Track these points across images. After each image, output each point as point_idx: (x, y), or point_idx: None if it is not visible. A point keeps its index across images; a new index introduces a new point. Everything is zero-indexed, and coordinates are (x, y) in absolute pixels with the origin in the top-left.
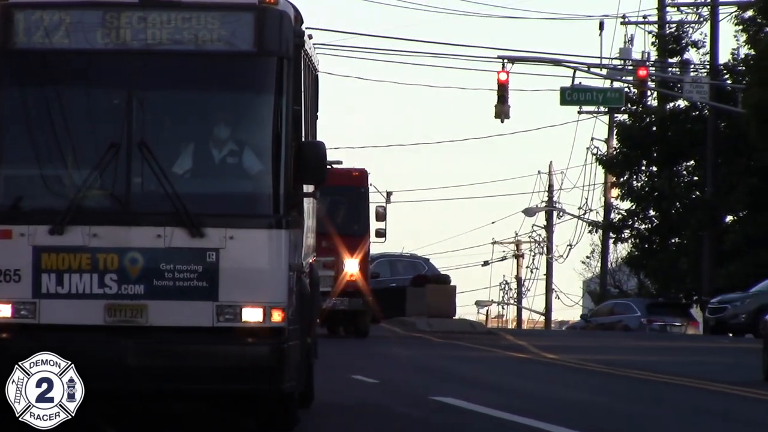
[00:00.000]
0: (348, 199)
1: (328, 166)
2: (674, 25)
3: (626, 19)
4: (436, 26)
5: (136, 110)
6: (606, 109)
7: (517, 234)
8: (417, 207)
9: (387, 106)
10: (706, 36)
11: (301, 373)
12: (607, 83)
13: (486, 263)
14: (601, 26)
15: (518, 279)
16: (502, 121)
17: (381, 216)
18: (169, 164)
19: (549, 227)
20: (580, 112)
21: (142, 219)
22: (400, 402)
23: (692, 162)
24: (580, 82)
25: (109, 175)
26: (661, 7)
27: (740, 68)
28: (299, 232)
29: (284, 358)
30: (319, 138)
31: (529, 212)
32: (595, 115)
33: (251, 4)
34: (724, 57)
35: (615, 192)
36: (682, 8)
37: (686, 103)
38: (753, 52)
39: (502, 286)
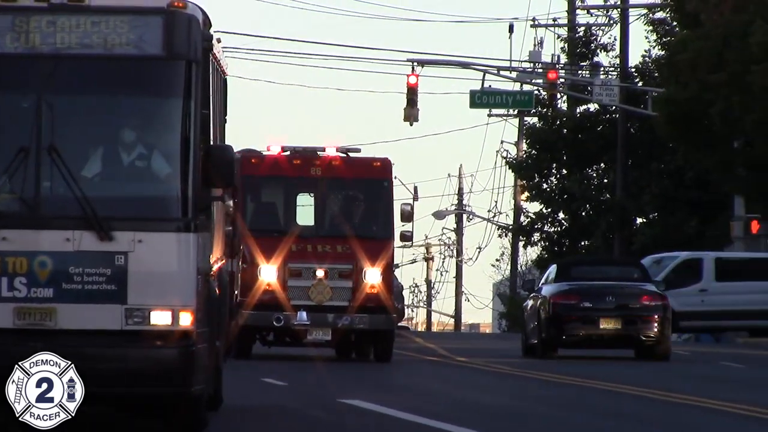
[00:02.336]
0: (368, 194)
1: (343, 154)
2: (584, 27)
3: (536, 22)
4: (347, 29)
5: (45, 114)
6: (516, 112)
7: (426, 237)
8: None
9: (296, 109)
10: (616, 39)
11: (210, 376)
12: (516, 86)
13: (396, 266)
14: (511, 29)
15: (428, 282)
16: (411, 125)
17: (407, 216)
18: (78, 168)
19: (459, 230)
20: (490, 115)
21: (51, 223)
22: (309, 405)
23: (603, 164)
24: (489, 85)
25: (18, 179)
26: (572, 10)
27: (651, 70)
28: (208, 236)
29: (192, 361)
30: (227, 141)
31: (438, 215)
32: (505, 118)
33: (160, 8)
34: (634, 59)
35: (524, 195)
36: (592, 11)
37: (597, 106)
38: (663, 53)
39: (412, 289)
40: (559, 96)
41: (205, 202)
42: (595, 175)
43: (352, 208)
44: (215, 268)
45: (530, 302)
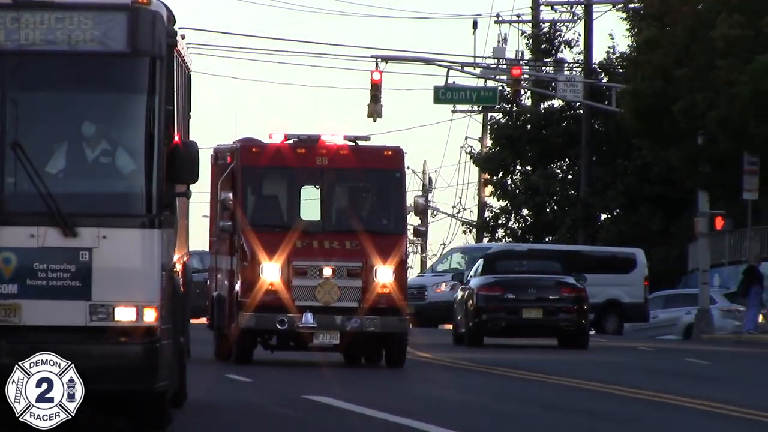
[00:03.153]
0: (378, 186)
1: (352, 142)
2: (548, 24)
3: (500, 18)
4: (310, 26)
5: (9, 111)
6: (480, 108)
7: None
8: None
9: (261, 105)
10: (580, 35)
11: (174, 373)
12: (480, 82)
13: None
14: (475, 25)
15: None
16: (375, 121)
17: (421, 209)
18: (43, 164)
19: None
20: (454, 111)
21: (15, 219)
22: (273, 401)
23: (567, 161)
24: (453, 81)
25: None
26: (536, 6)
27: (616, 66)
28: (172, 232)
29: (157, 357)
30: (191, 138)
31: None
32: (469, 114)
33: (124, 5)
34: (599, 56)
35: (488, 190)
36: (556, 7)
37: (561, 102)
38: (631, 45)
39: None
40: (523, 92)
41: (170, 198)
42: (559, 171)
43: (362, 201)
44: (179, 264)
45: (459, 294)
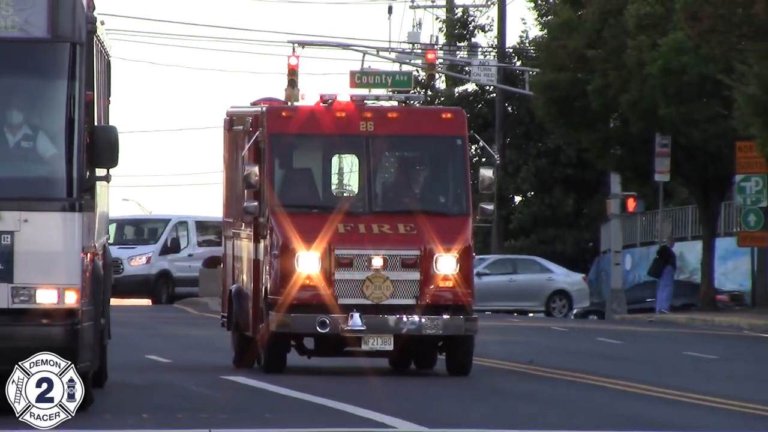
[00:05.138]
0: (436, 156)
1: (403, 103)
2: (462, 8)
3: (415, 3)
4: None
5: None
6: (395, 92)
7: None
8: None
9: (179, 90)
10: (493, 20)
11: (95, 353)
12: (396, 66)
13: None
14: (390, 10)
15: None
16: (292, 105)
17: (488, 184)
18: None
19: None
20: (370, 95)
21: None
22: (192, 381)
23: (481, 143)
24: (369, 66)
25: None
26: None
27: (529, 51)
28: (92, 215)
29: (78, 338)
30: (111, 123)
31: None
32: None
33: None
34: (512, 40)
35: None
36: None
37: (475, 86)
38: (544, 33)
39: None
40: (437, 76)
41: (90, 182)
42: (474, 154)
43: (416, 175)
44: (100, 246)
45: None
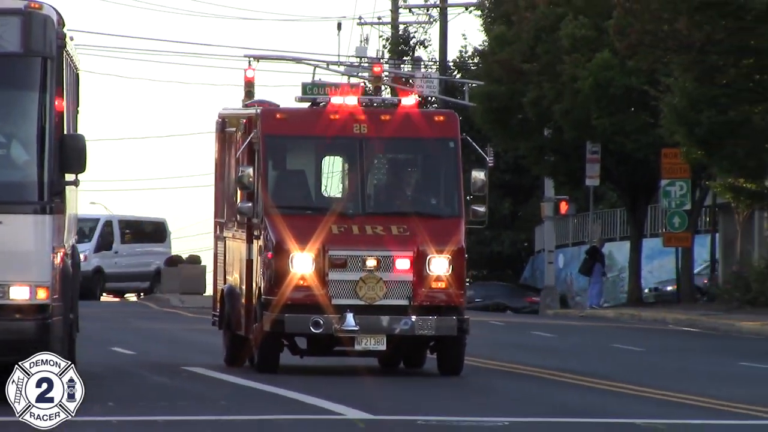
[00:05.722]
0: (430, 159)
1: (395, 106)
2: (406, 25)
3: (362, 20)
4: (189, 28)
5: None
6: None
7: None
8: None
9: (144, 101)
10: (436, 35)
11: (65, 346)
12: (345, 79)
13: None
14: (339, 27)
15: None
16: None
17: (480, 186)
18: None
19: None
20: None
21: None
22: (154, 371)
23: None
24: (320, 78)
25: None
26: (395, 9)
27: (468, 64)
28: (62, 217)
29: (49, 332)
30: (80, 131)
31: None
32: None
33: (18, 9)
34: (453, 54)
35: None
36: (414, 10)
37: (418, 97)
38: (483, 43)
39: None
40: (383, 88)
41: (60, 186)
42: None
43: (410, 177)
44: (69, 246)
45: None
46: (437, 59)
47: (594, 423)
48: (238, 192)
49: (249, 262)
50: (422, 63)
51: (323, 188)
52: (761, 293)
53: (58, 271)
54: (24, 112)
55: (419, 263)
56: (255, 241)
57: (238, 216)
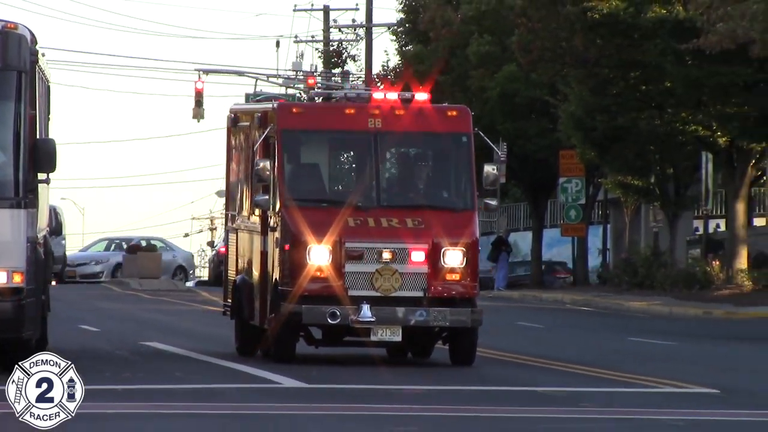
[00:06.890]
0: (443, 153)
1: (409, 101)
2: (337, 42)
3: (298, 38)
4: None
5: None
6: None
7: (211, 211)
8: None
9: (105, 109)
10: (362, 51)
11: (37, 324)
12: (283, 90)
13: (186, 235)
14: (278, 44)
15: (210, 243)
16: (199, 121)
17: (492, 180)
18: None
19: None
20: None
21: None
22: (116, 347)
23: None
24: (261, 89)
25: None
26: (326, 28)
27: (389, 77)
28: (35, 212)
29: (24, 312)
30: (51, 136)
31: (220, 193)
32: None
33: None
34: (377, 68)
35: None
36: (343, 29)
37: None
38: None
39: (199, 252)
40: (316, 98)
41: (33, 184)
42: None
43: (423, 171)
44: (41, 236)
45: None
46: (363, 72)
47: (501, 390)
48: (252, 185)
49: (264, 254)
50: (350, 75)
51: (339, 181)
52: (647, 277)
53: (32, 258)
54: (1, 119)
55: (434, 255)
56: (270, 233)
57: (255, 208)
